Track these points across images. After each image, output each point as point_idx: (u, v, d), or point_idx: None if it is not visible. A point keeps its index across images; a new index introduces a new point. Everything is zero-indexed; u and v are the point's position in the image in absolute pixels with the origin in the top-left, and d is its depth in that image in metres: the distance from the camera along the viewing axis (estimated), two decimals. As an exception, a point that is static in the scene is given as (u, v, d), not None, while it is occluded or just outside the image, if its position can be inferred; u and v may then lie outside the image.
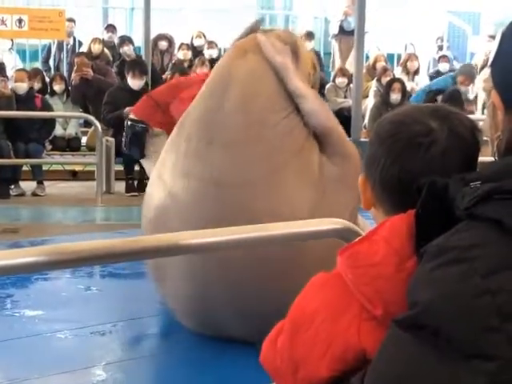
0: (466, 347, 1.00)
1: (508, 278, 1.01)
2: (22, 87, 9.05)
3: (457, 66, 13.04)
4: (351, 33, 12.04)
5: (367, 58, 11.68)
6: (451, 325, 1.02)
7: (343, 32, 12.53)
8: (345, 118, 9.71)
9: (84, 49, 11.59)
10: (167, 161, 3.71)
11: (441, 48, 14.02)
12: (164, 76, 10.60)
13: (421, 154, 1.34)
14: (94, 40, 11.43)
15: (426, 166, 1.33)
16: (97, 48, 11.29)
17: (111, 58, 11.61)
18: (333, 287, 1.34)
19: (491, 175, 1.11)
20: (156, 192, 3.69)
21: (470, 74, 11.00)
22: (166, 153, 3.77)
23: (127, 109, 8.66)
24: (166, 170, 3.68)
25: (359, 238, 1.37)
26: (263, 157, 3.44)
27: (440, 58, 12.75)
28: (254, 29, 3.80)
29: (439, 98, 9.90)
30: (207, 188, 3.41)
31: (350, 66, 11.36)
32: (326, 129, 3.62)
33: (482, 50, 12.81)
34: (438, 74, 12.13)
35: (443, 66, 12.32)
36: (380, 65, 11.50)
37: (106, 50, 11.49)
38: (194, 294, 3.57)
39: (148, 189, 3.88)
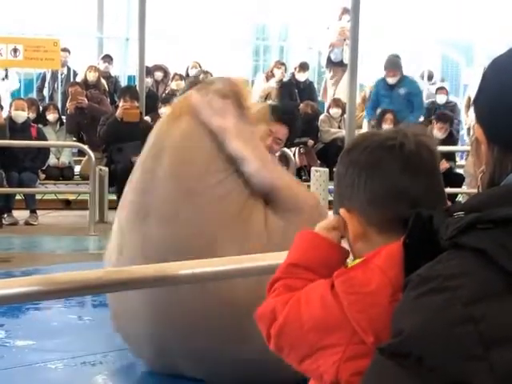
0: (448, 375, 1.01)
1: (491, 307, 1.02)
2: (22, 116, 9.09)
3: (453, 99, 13.02)
4: (338, 64, 12.26)
5: (361, 87, 11.77)
6: (434, 353, 1.02)
7: (331, 63, 12.64)
8: (338, 148, 9.80)
9: (79, 77, 11.58)
10: (116, 221, 3.60)
11: (430, 78, 14.04)
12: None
13: (397, 153, 1.35)
14: (90, 68, 11.37)
15: (406, 164, 1.34)
16: (92, 76, 11.21)
17: (107, 88, 11.64)
18: (334, 301, 1.31)
19: (474, 205, 1.13)
20: (109, 253, 3.58)
21: (395, 66, 10.67)
22: (118, 210, 3.66)
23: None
24: (115, 233, 3.56)
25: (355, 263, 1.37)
26: (200, 228, 3.27)
27: (438, 89, 12.64)
28: (195, 80, 3.65)
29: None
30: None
31: (339, 95, 11.47)
32: (272, 188, 3.43)
33: (477, 82, 12.77)
34: (433, 105, 12.09)
35: (441, 98, 12.18)
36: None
37: (102, 80, 11.49)
38: (144, 332, 3.49)
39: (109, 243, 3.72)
